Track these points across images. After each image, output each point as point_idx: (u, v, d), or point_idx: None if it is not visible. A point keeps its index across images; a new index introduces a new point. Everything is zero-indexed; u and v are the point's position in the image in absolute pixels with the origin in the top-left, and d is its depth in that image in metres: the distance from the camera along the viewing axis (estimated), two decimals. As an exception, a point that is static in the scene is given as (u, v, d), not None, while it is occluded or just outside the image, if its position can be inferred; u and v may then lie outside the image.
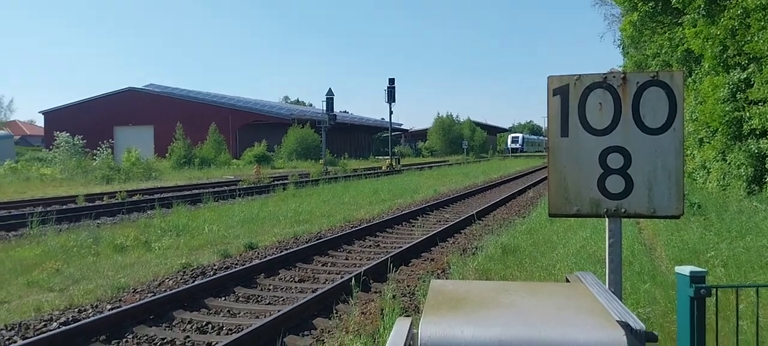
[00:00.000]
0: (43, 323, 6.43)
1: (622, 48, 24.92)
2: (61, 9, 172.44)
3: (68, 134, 35.04)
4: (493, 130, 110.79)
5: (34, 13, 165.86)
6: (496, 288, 1.91)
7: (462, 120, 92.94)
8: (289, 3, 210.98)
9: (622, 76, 3.02)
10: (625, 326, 1.58)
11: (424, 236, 11.72)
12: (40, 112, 63.24)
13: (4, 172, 31.84)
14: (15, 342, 5.68)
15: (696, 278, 2.20)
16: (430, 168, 43.91)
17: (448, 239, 12.05)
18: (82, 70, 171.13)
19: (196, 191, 22.48)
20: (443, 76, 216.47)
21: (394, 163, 45.81)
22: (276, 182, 26.43)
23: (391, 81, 46.16)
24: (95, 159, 33.58)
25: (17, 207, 18.08)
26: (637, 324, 1.65)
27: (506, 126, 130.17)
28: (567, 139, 3.10)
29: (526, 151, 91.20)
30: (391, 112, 47.92)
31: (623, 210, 2.96)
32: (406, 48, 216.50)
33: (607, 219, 2.98)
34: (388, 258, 9.05)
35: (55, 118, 57.83)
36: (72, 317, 6.61)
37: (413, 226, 14.14)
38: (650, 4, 16.07)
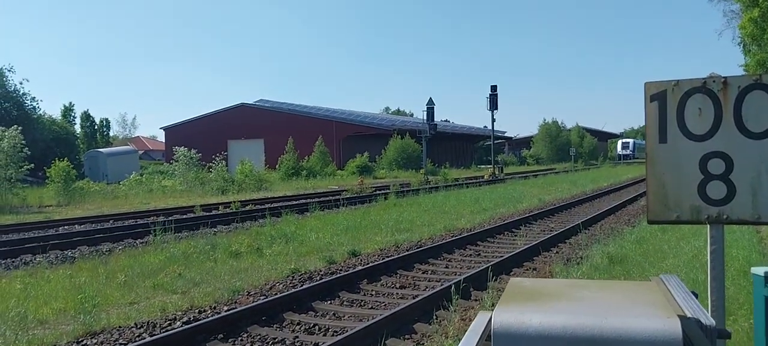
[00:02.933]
0: (168, 322, 7.03)
1: (743, 46, 23.39)
2: (175, 34, 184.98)
3: (185, 149, 37.48)
4: (603, 136, 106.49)
5: (155, 38, 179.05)
6: (571, 285, 2.00)
7: (569, 126, 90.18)
8: (388, 17, 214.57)
9: (723, 80, 2.98)
10: (696, 322, 1.63)
11: (527, 246, 11.60)
12: (160, 127, 68.15)
13: (130, 184, 34.55)
14: (143, 339, 6.27)
15: None
16: (535, 176, 43.01)
17: (551, 249, 11.85)
18: (198, 87, 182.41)
19: (303, 201, 23.40)
20: (548, 81, 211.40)
21: (496, 172, 45.27)
22: (378, 192, 26.95)
23: (493, 88, 45.70)
24: (211, 171, 35.71)
25: (142, 217, 19.66)
26: (708, 320, 1.69)
27: (617, 132, 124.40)
28: (665, 145, 3.10)
29: (637, 158, 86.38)
30: (493, 120, 47.44)
31: (725, 216, 2.92)
32: (509, 53, 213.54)
33: (708, 226, 2.95)
34: (488, 267, 9.07)
35: (175, 133, 62.05)
36: (193, 317, 7.18)
37: (515, 235, 14.01)
38: (771, -1, 15.04)
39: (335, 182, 39.24)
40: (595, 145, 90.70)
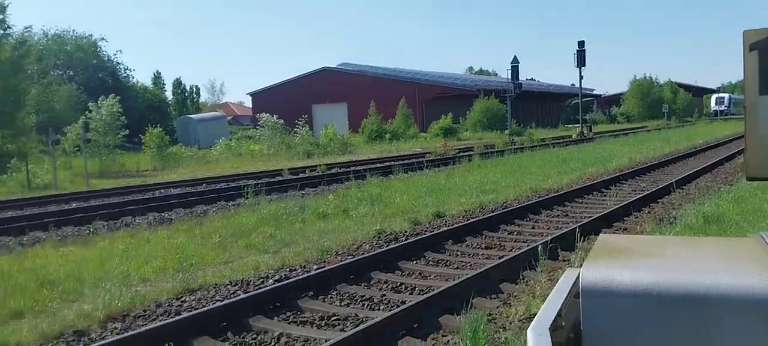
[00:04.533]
0: (261, 279, 7.35)
1: None
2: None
3: (268, 115, 38.55)
4: (698, 92, 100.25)
5: (238, 4, 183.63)
6: (663, 241, 1.92)
7: (662, 82, 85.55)
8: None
9: (840, 21, 2.75)
10: None
11: (617, 206, 11.24)
12: (247, 93, 70.15)
13: (220, 149, 36.02)
14: (238, 296, 6.59)
15: None
16: (626, 135, 41.31)
17: (643, 209, 11.41)
18: (282, 52, 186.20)
19: (387, 164, 23.61)
20: (639, 35, 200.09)
21: (585, 131, 43.81)
22: (461, 154, 26.78)
23: (581, 44, 43.98)
24: (296, 136, 36.65)
25: (234, 180, 20.48)
26: None
27: (714, 86, 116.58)
28: (766, 97, 2.93)
29: (734, 114, 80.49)
30: (581, 77, 45.80)
31: (833, 172, 2.72)
32: (597, 6, 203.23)
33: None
34: (576, 227, 8.87)
35: (261, 98, 63.83)
36: (284, 275, 7.47)
37: (605, 195, 13.58)
38: None
39: (419, 144, 39.27)
40: (689, 100, 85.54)
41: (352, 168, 22.15)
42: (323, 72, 63.54)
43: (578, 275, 1.66)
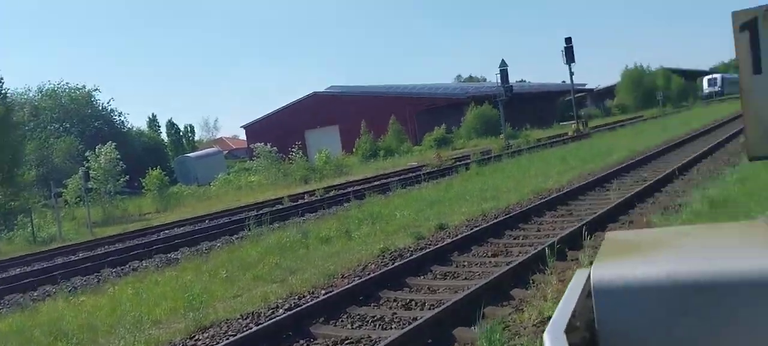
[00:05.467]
0: (271, 310, 7.28)
1: None
2: (243, 34, 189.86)
3: (263, 144, 38.64)
4: (691, 76, 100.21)
5: (225, 41, 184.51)
6: (672, 232, 1.92)
7: (654, 69, 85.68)
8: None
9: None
10: None
11: (620, 199, 11.21)
12: (241, 126, 70.32)
13: (219, 184, 36.00)
14: (250, 329, 6.51)
15: None
16: (623, 126, 41.45)
17: (646, 200, 11.39)
18: (272, 81, 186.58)
19: (384, 181, 23.57)
20: (627, 23, 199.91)
21: (581, 127, 43.78)
22: (458, 163, 26.74)
23: (568, 40, 44.11)
24: (291, 163, 36.66)
25: (235, 213, 20.44)
26: None
27: (707, 68, 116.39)
28: (761, 76, 2.95)
29: (728, 94, 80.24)
30: (572, 73, 45.94)
31: (834, 146, 2.72)
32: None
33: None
34: (582, 225, 8.82)
35: (254, 130, 63.85)
36: (294, 303, 7.40)
37: (607, 190, 13.53)
38: None
39: (414, 158, 39.23)
40: (683, 85, 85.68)
41: (350, 189, 22.10)
42: (313, 97, 63.70)
43: (589, 275, 1.64)
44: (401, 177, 24.05)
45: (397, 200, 16.39)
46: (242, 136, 76.54)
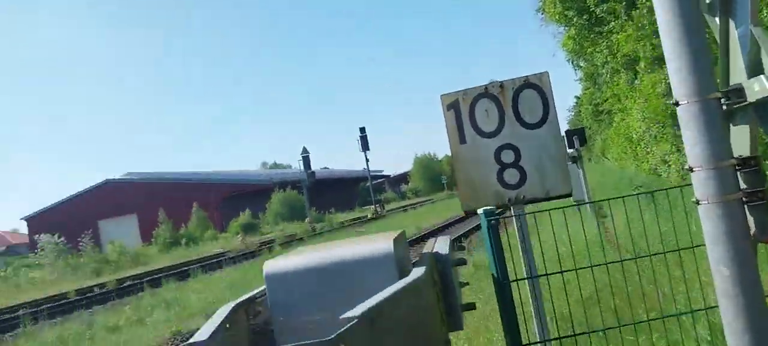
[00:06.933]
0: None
1: (572, 62, 25.64)
2: (16, 120, 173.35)
3: (50, 235, 35.30)
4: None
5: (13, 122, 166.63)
6: (330, 242, 2.66)
7: (440, 157, 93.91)
8: (256, 67, 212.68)
9: (499, 84, 3.68)
10: (434, 254, 2.25)
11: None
12: (22, 218, 63.24)
13: (-7, 283, 31.81)
14: None
15: (488, 213, 2.96)
16: (414, 208, 44.53)
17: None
18: (57, 167, 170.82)
19: (185, 268, 22.79)
20: (417, 113, 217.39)
21: (379, 210, 46.33)
22: (263, 246, 26.82)
23: (362, 129, 47.11)
24: (82, 256, 33.79)
25: (10, 311, 18.27)
26: (445, 251, 2.32)
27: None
28: (466, 145, 3.73)
29: None
30: (367, 160, 48.75)
31: (523, 196, 3.55)
32: (379, 91, 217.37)
33: (512, 208, 3.57)
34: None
35: (38, 221, 57.73)
36: (72, 393, 7.03)
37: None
38: (584, 18, 17.07)
39: (219, 244, 38.30)
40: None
41: (146, 278, 21.01)
42: (106, 185, 59.75)
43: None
44: (203, 263, 23.45)
45: (196, 284, 16.07)
46: (24, 229, 68.71)
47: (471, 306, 2.73)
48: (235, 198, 56.33)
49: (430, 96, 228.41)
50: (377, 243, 2.24)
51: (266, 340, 2.24)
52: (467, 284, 3.17)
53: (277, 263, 2.25)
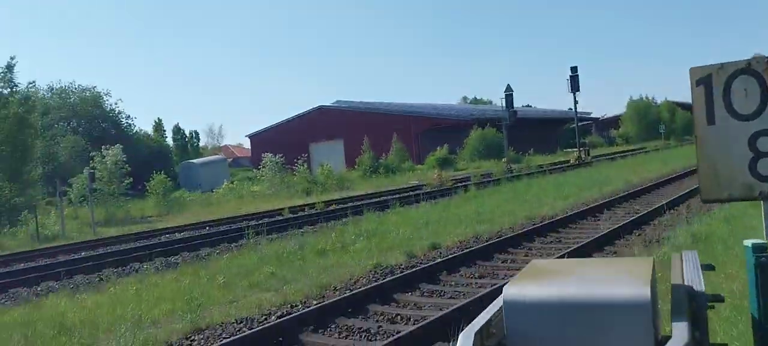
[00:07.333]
0: (264, 316, 7.65)
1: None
2: (252, 43, 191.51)
3: (271, 154, 39.10)
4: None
5: (232, 50, 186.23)
6: (578, 263, 2.32)
7: (659, 102, 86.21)
8: (462, 4, 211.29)
9: (767, 60, 3.10)
10: (689, 289, 1.89)
11: (609, 229, 11.54)
12: (246, 135, 70.91)
13: (222, 192, 36.38)
14: (243, 332, 6.88)
15: (757, 248, 2.47)
16: (624, 157, 41.76)
17: (634, 232, 11.70)
18: (278, 92, 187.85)
19: (384, 198, 23.94)
20: (635, 56, 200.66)
21: (583, 155, 44.11)
22: (458, 184, 27.10)
23: (573, 69, 44.58)
24: (295, 175, 37.07)
25: (236, 222, 20.80)
26: (700, 287, 1.95)
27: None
28: (714, 126, 3.25)
29: None
30: (576, 102, 46.29)
31: (778, 192, 3.02)
32: (590, 31, 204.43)
33: (762, 203, 3.06)
34: (565, 253, 9.16)
35: (259, 140, 64.41)
36: (286, 311, 7.77)
37: (598, 220, 13.86)
38: None
39: (415, 176, 39.57)
40: (688, 119, 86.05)
41: (349, 204, 22.45)
42: (319, 111, 64.20)
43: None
44: (401, 195, 24.39)
45: (394, 217, 16.73)
46: (247, 145, 77.11)
47: None
48: (433, 131, 57.35)
49: (649, 33, 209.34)
50: (632, 287, 1.92)
51: None
52: (722, 300, 2.62)
53: (517, 291, 2.05)
